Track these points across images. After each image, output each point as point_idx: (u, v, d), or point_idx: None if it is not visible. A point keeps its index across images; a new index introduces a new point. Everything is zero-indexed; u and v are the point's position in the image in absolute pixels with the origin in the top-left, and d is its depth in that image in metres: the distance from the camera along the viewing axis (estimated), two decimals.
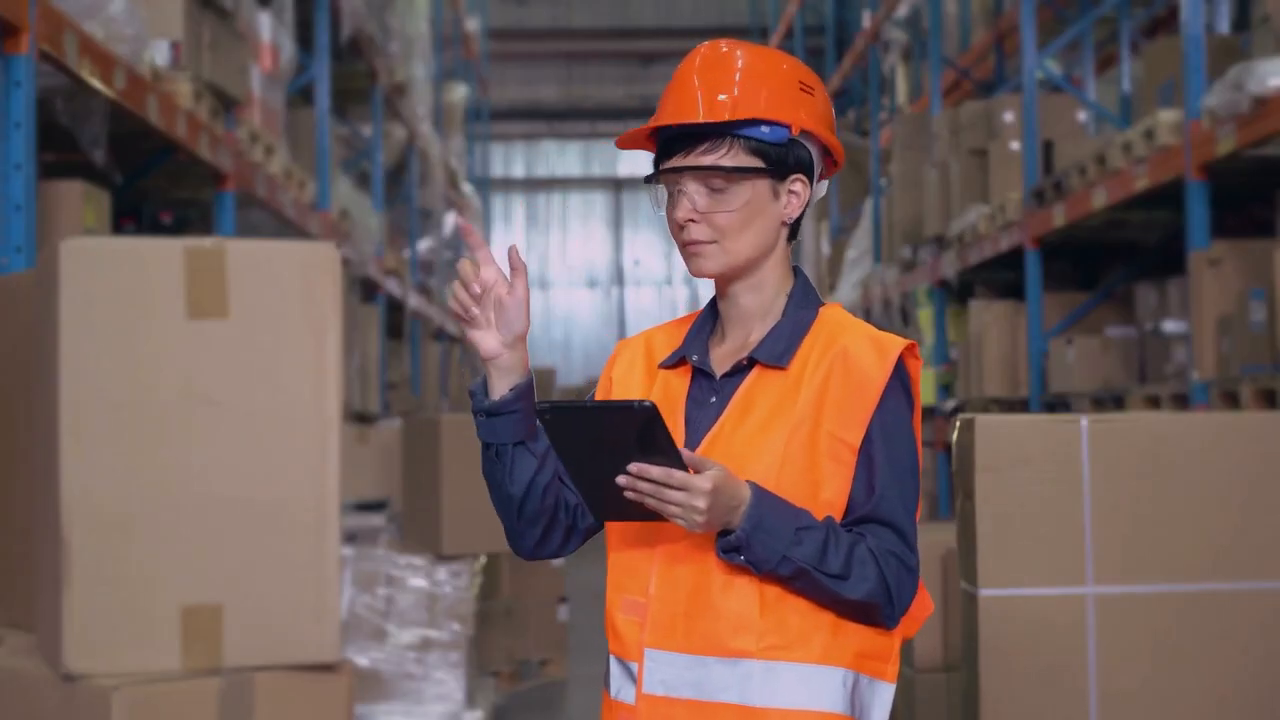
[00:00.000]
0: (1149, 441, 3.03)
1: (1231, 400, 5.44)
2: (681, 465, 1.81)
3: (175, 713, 2.88)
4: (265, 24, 7.15)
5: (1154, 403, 6.26)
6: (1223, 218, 6.60)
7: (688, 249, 1.99)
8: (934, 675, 4.17)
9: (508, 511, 2.04)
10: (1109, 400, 6.80)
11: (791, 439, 1.92)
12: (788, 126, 1.97)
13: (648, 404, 1.77)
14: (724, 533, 1.88)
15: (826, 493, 1.93)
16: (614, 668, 2.00)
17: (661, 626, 1.94)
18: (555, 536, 2.06)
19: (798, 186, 2.01)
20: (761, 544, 1.86)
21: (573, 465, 1.86)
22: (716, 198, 1.97)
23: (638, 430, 1.78)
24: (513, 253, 1.95)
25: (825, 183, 2.07)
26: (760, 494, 1.87)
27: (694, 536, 1.93)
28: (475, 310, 1.94)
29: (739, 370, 2.00)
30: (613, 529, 2.03)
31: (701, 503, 1.81)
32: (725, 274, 2.01)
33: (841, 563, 1.88)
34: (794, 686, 1.90)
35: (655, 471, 1.80)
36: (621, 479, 1.81)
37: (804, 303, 2.03)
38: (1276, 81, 4.98)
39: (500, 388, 1.97)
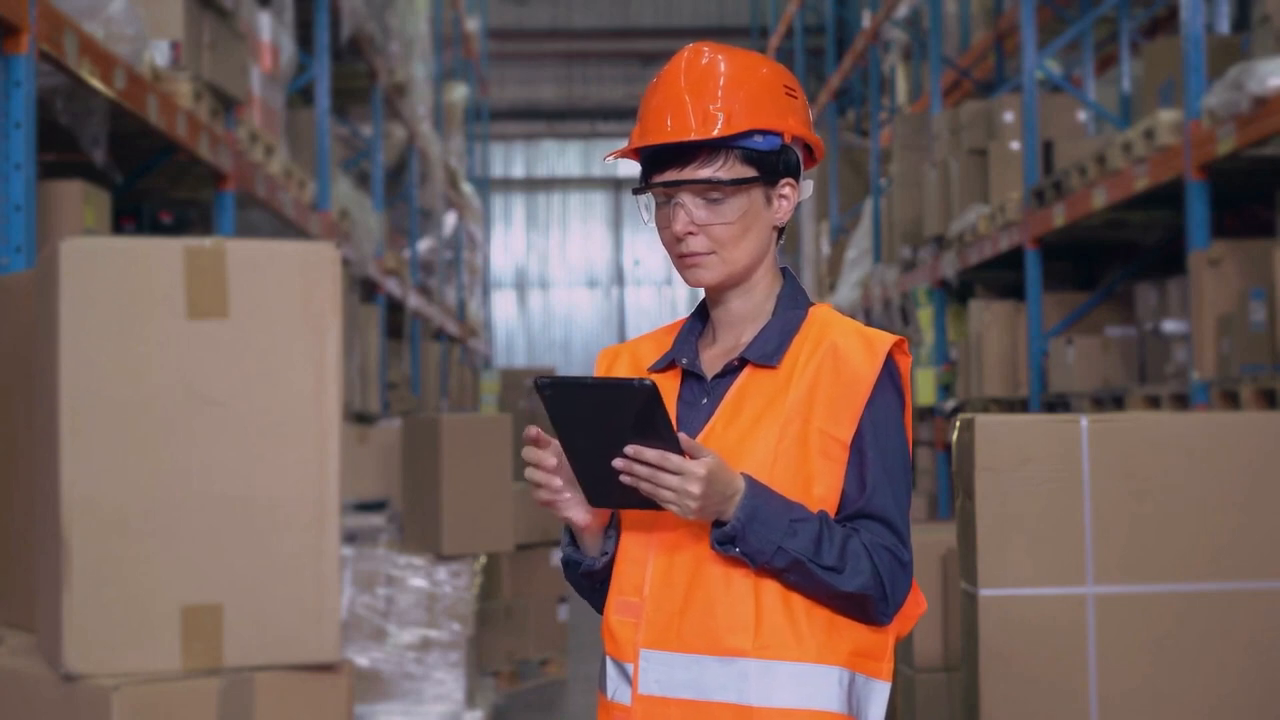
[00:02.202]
0: (1149, 441, 3.03)
1: (1231, 400, 5.44)
2: (678, 450, 1.81)
3: (175, 713, 2.88)
4: (265, 24, 7.15)
5: (1154, 403, 6.26)
6: (1223, 218, 6.60)
7: (685, 260, 2.00)
8: (934, 675, 4.17)
9: (602, 600, 2.07)
10: (1109, 400, 6.80)
11: (783, 436, 1.93)
12: (780, 135, 1.98)
13: (648, 382, 1.77)
14: (718, 524, 1.88)
15: (818, 489, 1.93)
16: (609, 669, 2.00)
17: (656, 627, 1.94)
18: None
19: (787, 190, 2.02)
20: (756, 535, 1.86)
21: (571, 445, 1.86)
22: (714, 209, 1.97)
23: (637, 410, 1.79)
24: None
25: (810, 182, 2.08)
26: (754, 485, 1.88)
27: (688, 536, 1.93)
28: (559, 482, 1.93)
29: (730, 371, 2.01)
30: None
31: (695, 488, 1.81)
32: (723, 283, 2.01)
33: (836, 555, 1.89)
34: (790, 686, 1.90)
35: (651, 454, 1.81)
36: (618, 462, 1.82)
37: (794, 303, 2.04)
38: (1276, 81, 4.98)
39: (593, 545, 2.01)
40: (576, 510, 1.97)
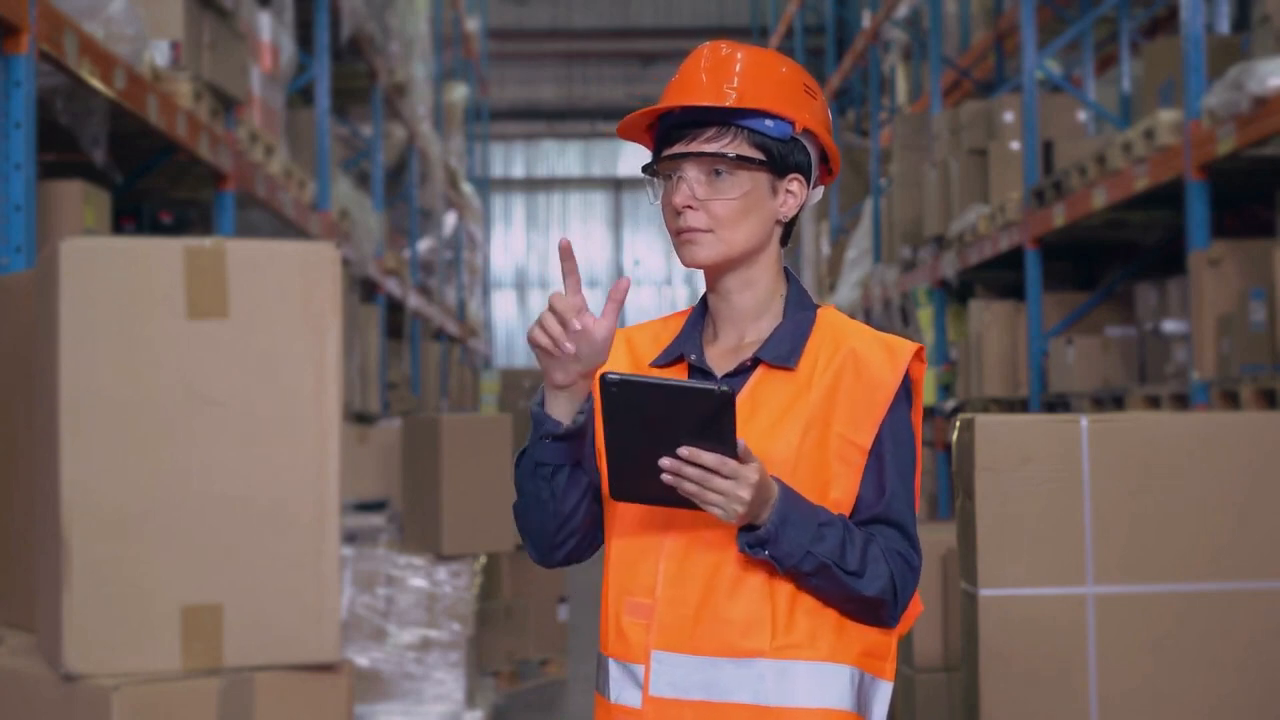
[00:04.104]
0: (1149, 441, 3.03)
1: (1231, 400, 5.44)
2: (736, 455, 1.80)
3: (175, 713, 2.88)
4: (265, 24, 7.15)
5: (1154, 403, 6.26)
6: (1223, 218, 6.60)
7: (682, 236, 1.99)
8: (934, 675, 4.17)
9: (548, 527, 2.01)
10: (1109, 400, 6.80)
11: (804, 439, 1.93)
12: (791, 122, 1.98)
13: (727, 390, 1.75)
14: (749, 528, 1.87)
15: (835, 493, 1.93)
16: (613, 671, 1.98)
17: (669, 629, 1.93)
18: (585, 546, 2.07)
19: (794, 186, 2.01)
20: (788, 539, 1.86)
21: (617, 439, 1.82)
22: (716, 186, 1.97)
23: (705, 414, 1.77)
24: (620, 285, 1.88)
25: (820, 189, 2.07)
26: (785, 490, 1.88)
27: (701, 538, 1.93)
28: (570, 346, 1.87)
29: (742, 370, 2.00)
30: (614, 528, 2.02)
31: (747, 494, 1.81)
32: (718, 264, 2.00)
33: (858, 560, 1.90)
34: (807, 685, 1.90)
35: (709, 459, 1.79)
36: (666, 462, 1.79)
37: (801, 304, 2.03)
38: (1276, 81, 4.98)
39: (567, 412, 1.94)
40: (566, 369, 1.89)
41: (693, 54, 2.03)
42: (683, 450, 1.79)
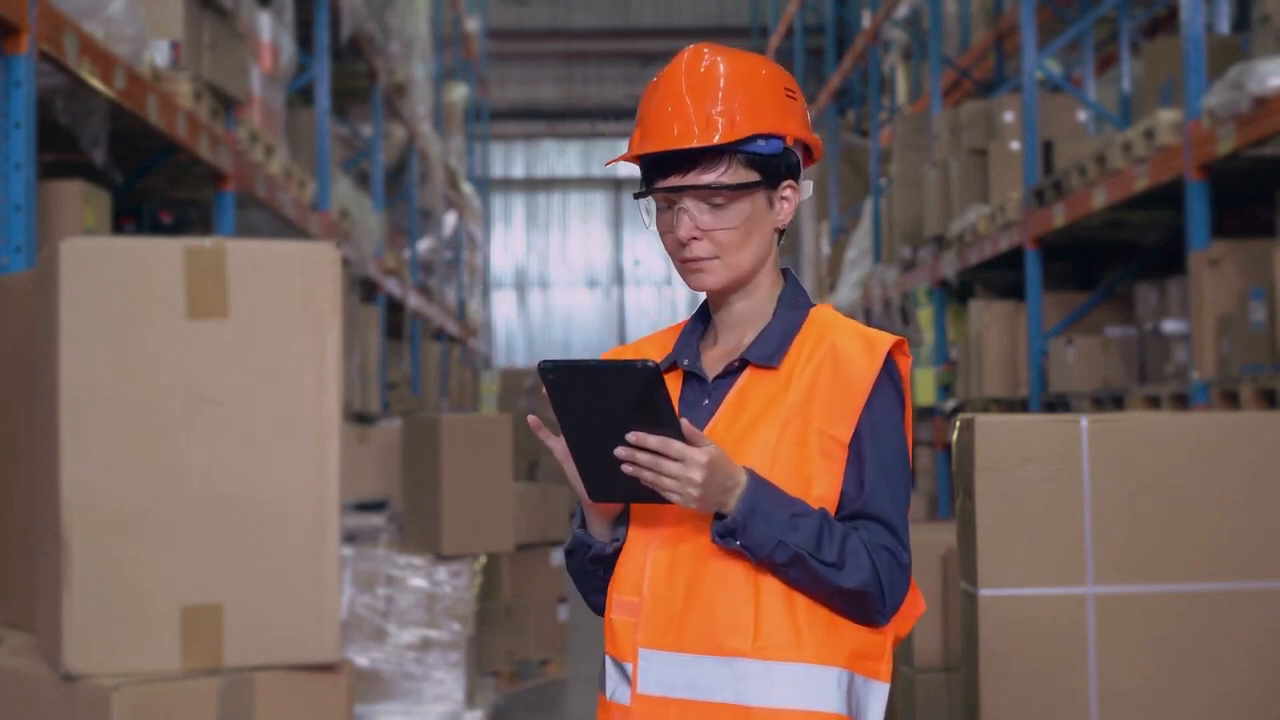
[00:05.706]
0: (1149, 441, 3.03)
1: (1231, 400, 5.44)
2: (681, 436, 1.81)
3: (175, 713, 2.88)
4: (265, 24, 7.15)
5: (1154, 403, 6.26)
6: (1223, 218, 6.60)
7: (688, 265, 2.00)
8: (934, 675, 4.17)
9: (601, 595, 2.08)
10: (1109, 400, 6.80)
11: (781, 436, 1.93)
12: (782, 138, 1.98)
13: (650, 364, 1.76)
14: (719, 516, 1.88)
15: (817, 489, 1.93)
16: (609, 668, 2.00)
17: (656, 626, 1.94)
18: None
19: (789, 192, 2.02)
20: (757, 528, 1.86)
21: (573, 434, 1.85)
22: (717, 214, 1.97)
23: (639, 394, 1.78)
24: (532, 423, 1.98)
25: (810, 182, 2.07)
26: (756, 479, 1.88)
27: (688, 534, 1.93)
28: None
29: (730, 372, 2.01)
30: None
31: (698, 475, 1.81)
32: (727, 287, 2.01)
33: (836, 551, 1.89)
34: (789, 686, 1.90)
35: (653, 441, 1.80)
36: (620, 450, 1.81)
37: (794, 304, 2.04)
38: (1276, 81, 4.98)
39: (605, 531, 2.02)
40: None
41: (670, 68, 2.00)
42: (630, 435, 1.81)
